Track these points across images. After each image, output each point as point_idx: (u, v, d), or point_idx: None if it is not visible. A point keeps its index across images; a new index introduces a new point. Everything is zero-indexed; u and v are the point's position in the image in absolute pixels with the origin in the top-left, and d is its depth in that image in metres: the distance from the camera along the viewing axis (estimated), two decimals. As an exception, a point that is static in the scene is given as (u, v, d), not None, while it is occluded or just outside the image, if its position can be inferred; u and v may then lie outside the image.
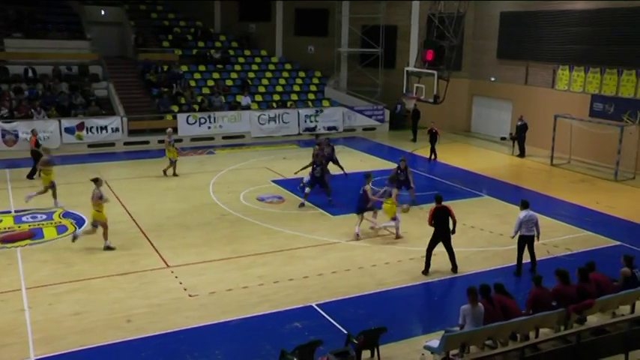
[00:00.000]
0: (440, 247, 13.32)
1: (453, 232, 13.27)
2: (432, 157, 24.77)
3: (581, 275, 10.53)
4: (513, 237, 13.44)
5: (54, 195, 17.69)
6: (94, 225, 14.42)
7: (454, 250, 13.42)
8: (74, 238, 14.36)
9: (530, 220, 13.14)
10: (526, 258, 13.46)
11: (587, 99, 24.84)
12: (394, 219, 15.45)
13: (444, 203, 13.40)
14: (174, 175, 21.35)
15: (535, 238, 13.29)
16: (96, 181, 14.51)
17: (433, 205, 13.40)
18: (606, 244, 15.25)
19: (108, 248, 14.35)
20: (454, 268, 13.42)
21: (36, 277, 12.81)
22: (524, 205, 13.27)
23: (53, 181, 17.72)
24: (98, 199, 14.22)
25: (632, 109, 23.00)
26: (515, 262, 13.55)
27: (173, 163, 21.35)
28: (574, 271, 10.57)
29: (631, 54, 23.05)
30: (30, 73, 27.95)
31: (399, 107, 31.10)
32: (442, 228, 13.22)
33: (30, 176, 20.64)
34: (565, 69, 25.92)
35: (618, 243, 15.31)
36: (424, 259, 13.82)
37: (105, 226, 14.43)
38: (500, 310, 9.79)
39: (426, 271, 13.31)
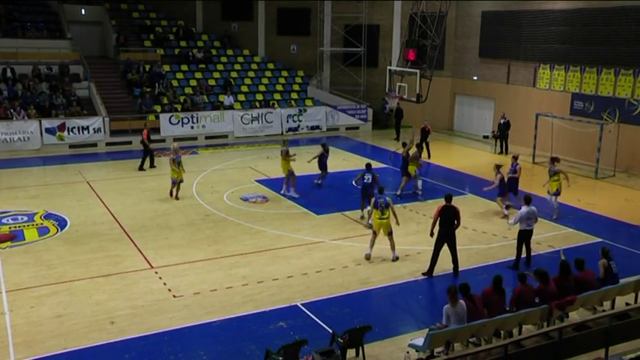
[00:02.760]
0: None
1: (457, 225, 13.12)
2: (425, 155, 24.65)
3: (563, 270, 10.68)
4: (510, 228, 14.26)
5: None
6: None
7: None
8: None
9: (531, 215, 13.44)
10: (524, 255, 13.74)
11: (567, 97, 25.11)
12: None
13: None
14: (177, 198, 18.50)
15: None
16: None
17: (442, 202, 13.26)
18: (587, 241, 15.42)
19: None
20: (455, 270, 13.20)
21: (16, 280, 12.65)
22: (527, 201, 13.55)
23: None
24: None
25: (612, 108, 23.30)
26: (508, 259, 13.85)
27: (177, 184, 18.51)
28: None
29: (610, 53, 23.34)
30: (9, 73, 27.59)
31: (387, 107, 31.06)
32: (448, 228, 13.00)
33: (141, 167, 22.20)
34: (546, 68, 26.17)
35: (599, 240, 15.48)
36: (409, 257, 13.91)
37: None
38: (482, 306, 9.88)
39: (429, 273, 13.13)
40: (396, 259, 13.93)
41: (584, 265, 10.99)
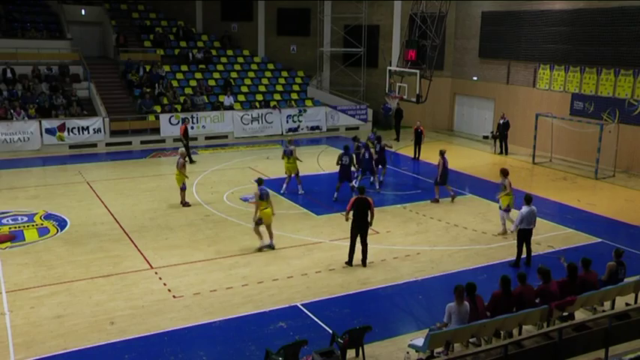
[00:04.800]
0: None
1: (370, 224, 13.46)
2: (417, 155, 24.86)
3: (570, 272, 10.68)
4: (513, 231, 13.85)
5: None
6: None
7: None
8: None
9: (532, 215, 13.47)
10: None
11: (567, 98, 25.11)
12: None
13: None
14: (185, 204, 18.01)
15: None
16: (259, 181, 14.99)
17: (354, 196, 13.77)
18: (588, 242, 15.42)
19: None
20: (364, 262, 13.58)
21: (16, 280, 12.64)
22: (528, 201, 13.55)
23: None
24: None
25: (611, 108, 23.30)
26: (508, 259, 13.86)
27: (183, 190, 18.05)
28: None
29: (609, 54, 23.33)
30: (9, 74, 27.59)
31: (389, 107, 31.01)
32: (361, 220, 13.33)
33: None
34: (546, 68, 26.17)
35: (599, 240, 15.49)
36: (409, 257, 13.92)
37: None
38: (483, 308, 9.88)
39: (349, 263, 13.53)
40: (271, 247, 14.47)
41: (589, 265, 10.93)
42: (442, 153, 18.36)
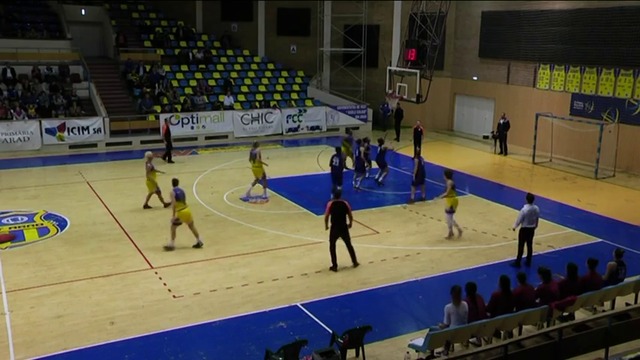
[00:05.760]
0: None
1: (350, 226, 13.31)
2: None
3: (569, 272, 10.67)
4: (514, 229, 13.74)
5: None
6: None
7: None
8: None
9: (533, 213, 13.48)
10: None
11: (567, 98, 25.11)
12: None
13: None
14: (166, 205, 17.23)
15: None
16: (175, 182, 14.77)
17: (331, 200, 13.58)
18: (588, 242, 15.43)
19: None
20: (355, 263, 13.52)
21: (16, 280, 12.65)
22: (529, 200, 13.55)
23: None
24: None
25: (611, 108, 23.30)
26: (509, 259, 13.90)
27: (158, 193, 17.68)
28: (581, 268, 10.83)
29: (609, 53, 23.34)
30: (9, 74, 27.60)
31: (388, 107, 31.00)
32: (340, 224, 13.21)
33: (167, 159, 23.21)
34: (546, 68, 26.17)
35: (600, 240, 15.49)
36: (409, 257, 13.91)
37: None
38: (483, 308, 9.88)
39: (334, 268, 13.33)
40: (199, 245, 14.52)
41: (595, 266, 10.87)
42: (417, 153, 18.27)
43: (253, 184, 18.76)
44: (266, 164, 18.93)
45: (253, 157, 18.60)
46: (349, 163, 21.74)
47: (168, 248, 14.44)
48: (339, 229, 13.28)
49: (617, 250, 11.48)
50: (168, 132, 23.84)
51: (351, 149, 22.12)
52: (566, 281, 10.57)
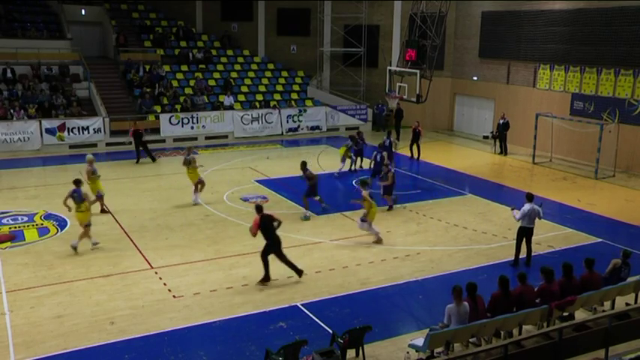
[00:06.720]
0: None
1: (277, 227, 12.63)
2: (415, 155, 24.88)
3: (566, 272, 10.67)
4: (518, 220, 13.59)
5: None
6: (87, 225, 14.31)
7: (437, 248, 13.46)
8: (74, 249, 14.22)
9: (533, 213, 13.46)
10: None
11: (567, 98, 25.11)
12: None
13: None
14: (103, 211, 17.17)
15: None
16: (77, 183, 14.44)
17: (256, 216, 12.63)
18: (588, 242, 15.42)
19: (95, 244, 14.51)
20: (299, 273, 12.80)
21: (16, 280, 12.64)
22: (529, 199, 13.55)
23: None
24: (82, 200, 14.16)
25: (611, 108, 23.30)
26: (508, 259, 13.90)
27: (99, 198, 17.11)
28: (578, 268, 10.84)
29: (609, 54, 23.34)
30: (9, 74, 27.59)
31: (384, 108, 31.15)
32: (273, 236, 12.53)
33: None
34: (546, 68, 26.17)
35: (599, 240, 15.49)
36: (409, 257, 13.90)
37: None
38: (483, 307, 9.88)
39: (266, 279, 12.56)
40: (74, 247, 14.11)
41: (593, 264, 10.92)
42: (304, 165, 17.29)
43: (196, 189, 18.21)
44: (201, 166, 18.54)
45: (188, 163, 18.15)
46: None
47: (95, 244, 14.44)
48: (274, 242, 12.53)
49: (624, 251, 11.53)
50: (137, 134, 23.53)
51: (349, 152, 22.10)
52: (564, 281, 10.57)
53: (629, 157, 22.80)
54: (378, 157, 19.66)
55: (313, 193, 17.26)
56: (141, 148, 23.75)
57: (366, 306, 11.80)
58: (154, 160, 23.79)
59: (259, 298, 12.01)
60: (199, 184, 18.29)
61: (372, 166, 20.45)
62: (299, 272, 12.86)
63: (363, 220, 15.02)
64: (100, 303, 11.69)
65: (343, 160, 22.01)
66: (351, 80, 33.56)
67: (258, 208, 12.78)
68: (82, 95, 28.09)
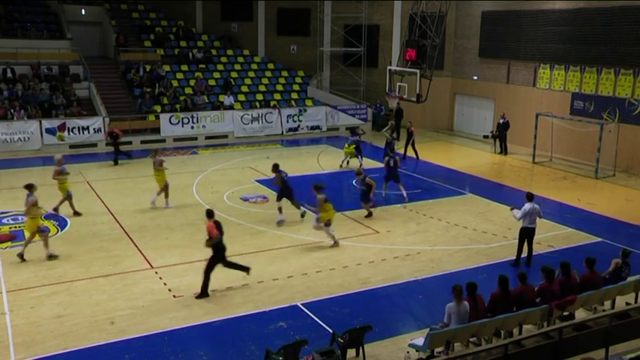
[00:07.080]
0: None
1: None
2: (414, 156, 24.83)
3: (564, 271, 10.68)
4: (519, 219, 13.57)
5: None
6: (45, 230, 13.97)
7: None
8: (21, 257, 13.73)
9: (534, 212, 13.46)
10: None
11: (567, 97, 25.10)
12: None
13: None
14: (76, 213, 16.94)
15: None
16: (29, 187, 13.94)
17: (208, 221, 12.19)
18: (588, 241, 15.42)
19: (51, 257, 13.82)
20: (247, 271, 12.53)
21: (17, 280, 12.64)
22: (529, 198, 13.54)
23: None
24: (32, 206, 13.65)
25: (612, 108, 23.30)
26: (508, 258, 13.89)
27: (68, 198, 16.98)
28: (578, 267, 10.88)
29: (609, 53, 23.33)
30: (9, 74, 27.60)
31: (382, 108, 31.17)
32: (222, 244, 12.15)
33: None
34: (546, 68, 26.16)
35: (600, 239, 15.49)
36: (409, 257, 13.91)
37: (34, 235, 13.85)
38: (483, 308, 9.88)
39: (204, 294, 12.03)
40: (21, 256, 13.58)
41: (594, 264, 10.93)
42: (276, 167, 16.90)
43: (160, 193, 17.92)
44: (166, 168, 18.03)
45: (160, 164, 17.79)
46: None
47: (20, 255, 13.71)
48: (224, 248, 12.19)
49: (624, 250, 11.54)
50: (112, 134, 23.64)
51: (354, 152, 22.16)
52: (563, 280, 10.58)
53: (629, 156, 22.80)
54: (391, 162, 18.68)
55: (289, 198, 16.65)
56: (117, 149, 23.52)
57: (366, 306, 11.80)
58: (116, 163, 23.20)
59: (259, 297, 12.01)
60: (166, 188, 17.87)
61: (386, 169, 19.00)
62: (246, 269, 12.52)
63: (318, 220, 14.76)
64: (100, 303, 11.68)
65: (358, 156, 21.92)
66: (351, 80, 33.56)
67: (209, 213, 12.31)
68: (82, 95, 28.09)
